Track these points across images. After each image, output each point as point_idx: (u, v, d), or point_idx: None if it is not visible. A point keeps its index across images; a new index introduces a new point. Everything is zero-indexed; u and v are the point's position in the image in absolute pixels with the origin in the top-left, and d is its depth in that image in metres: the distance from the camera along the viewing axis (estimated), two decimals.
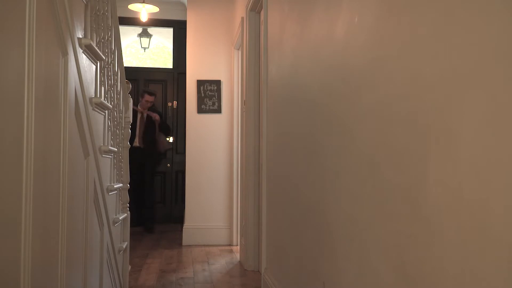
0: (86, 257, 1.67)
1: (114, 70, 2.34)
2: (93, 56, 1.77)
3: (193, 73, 4.85)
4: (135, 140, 5.52)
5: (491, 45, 0.82)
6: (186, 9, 4.99)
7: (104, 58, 1.97)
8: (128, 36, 6.45)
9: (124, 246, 2.62)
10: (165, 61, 6.79)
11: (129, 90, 2.89)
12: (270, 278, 2.76)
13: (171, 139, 6.25)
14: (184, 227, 4.78)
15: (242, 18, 3.97)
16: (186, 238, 4.74)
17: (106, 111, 2.10)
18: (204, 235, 4.74)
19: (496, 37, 0.81)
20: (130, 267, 3.12)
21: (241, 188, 4.15)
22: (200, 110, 4.82)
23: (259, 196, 3.54)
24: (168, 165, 6.28)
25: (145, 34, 6.38)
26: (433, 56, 1.00)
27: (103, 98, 2.01)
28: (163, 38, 6.61)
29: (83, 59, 1.64)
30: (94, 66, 1.85)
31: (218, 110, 4.84)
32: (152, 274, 3.55)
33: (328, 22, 1.75)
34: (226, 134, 4.82)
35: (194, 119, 4.83)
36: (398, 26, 1.18)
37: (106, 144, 2.09)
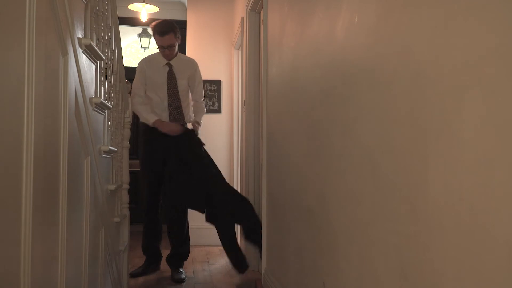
0: (86, 257, 1.67)
1: (114, 70, 2.34)
2: (93, 56, 1.77)
3: None
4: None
5: (491, 43, 0.82)
6: (186, 9, 4.99)
7: (104, 58, 1.97)
8: (128, 36, 6.45)
9: (124, 246, 2.62)
10: None
11: (129, 90, 2.89)
12: (270, 278, 2.76)
13: None
14: None
15: (242, 18, 3.97)
16: None
17: (106, 111, 2.10)
18: (204, 235, 4.74)
19: (496, 36, 0.81)
20: (130, 267, 3.12)
21: (241, 188, 4.15)
22: None
23: (259, 196, 3.53)
24: None
25: (145, 34, 6.38)
26: (433, 55, 1.00)
27: (103, 98, 2.01)
28: None
29: (83, 59, 1.64)
30: (94, 66, 1.85)
31: (218, 110, 4.84)
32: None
33: (328, 22, 1.75)
34: (226, 134, 4.82)
35: None
36: (398, 25, 1.18)
37: (106, 144, 2.09)
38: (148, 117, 3.36)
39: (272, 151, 2.83)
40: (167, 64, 3.43)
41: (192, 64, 3.57)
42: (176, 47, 3.45)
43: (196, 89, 3.59)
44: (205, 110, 3.67)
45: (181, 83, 3.46)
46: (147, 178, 3.49)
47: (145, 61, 3.49)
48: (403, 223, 1.13)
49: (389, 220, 1.20)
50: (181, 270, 3.46)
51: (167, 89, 3.39)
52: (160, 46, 3.38)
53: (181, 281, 3.32)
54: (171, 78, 3.42)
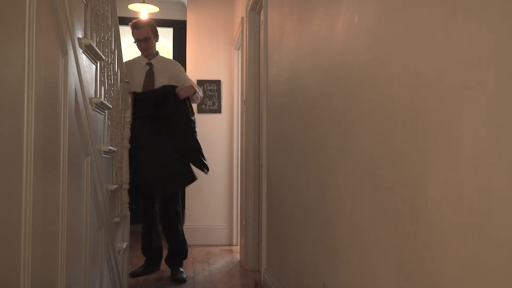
0: (86, 257, 1.67)
1: (114, 70, 2.34)
2: (93, 56, 1.77)
3: (193, 73, 4.85)
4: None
5: (491, 43, 0.82)
6: (186, 9, 4.99)
7: (104, 58, 1.97)
8: (128, 36, 6.43)
9: (124, 246, 2.62)
10: None
11: (129, 90, 2.89)
12: (270, 278, 2.76)
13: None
14: (184, 227, 4.77)
15: (242, 18, 3.97)
16: (186, 238, 4.73)
17: (106, 111, 2.10)
18: (204, 235, 4.74)
19: (496, 36, 0.81)
20: (130, 267, 3.12)
21: (241, 188, 4.15)
22: (200, 110, 4.81)
23: (259, 196, 3.53)
24: None
25: None
26: (433, 55, 1.00)
27: (103, 98, 2.01)
28: (163, 38, 6.60)
29: (83, 59, 1.64)
30: (94, 66, 1.85)
31: (218, 110, 4.83)
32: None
33: (328, 22, 1.75)
34: (226, 134, 4.82)
35: None
36: (398, 26, 1.18)
37: (106, 144, 2.09)
38: None
39: (272, 151, 2.83)
40: (147, 63, 3.50)
41: (174, 63, 3.62)
42: (154, 44, 3.51)
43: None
44: (199, 93, 3.54)
45: (161, 82, 3.44)
46: None
47: (127, 63, 3.40)
48: (403, 223, 1.13)
49: (389, 220, 1.20)
50: (181, 269, 3.46)
51: (142, 88, 3.42)
52: (136, 40, 3.47)
53: (183, 280, 3.30)
54: (149, 78, 3.45)
